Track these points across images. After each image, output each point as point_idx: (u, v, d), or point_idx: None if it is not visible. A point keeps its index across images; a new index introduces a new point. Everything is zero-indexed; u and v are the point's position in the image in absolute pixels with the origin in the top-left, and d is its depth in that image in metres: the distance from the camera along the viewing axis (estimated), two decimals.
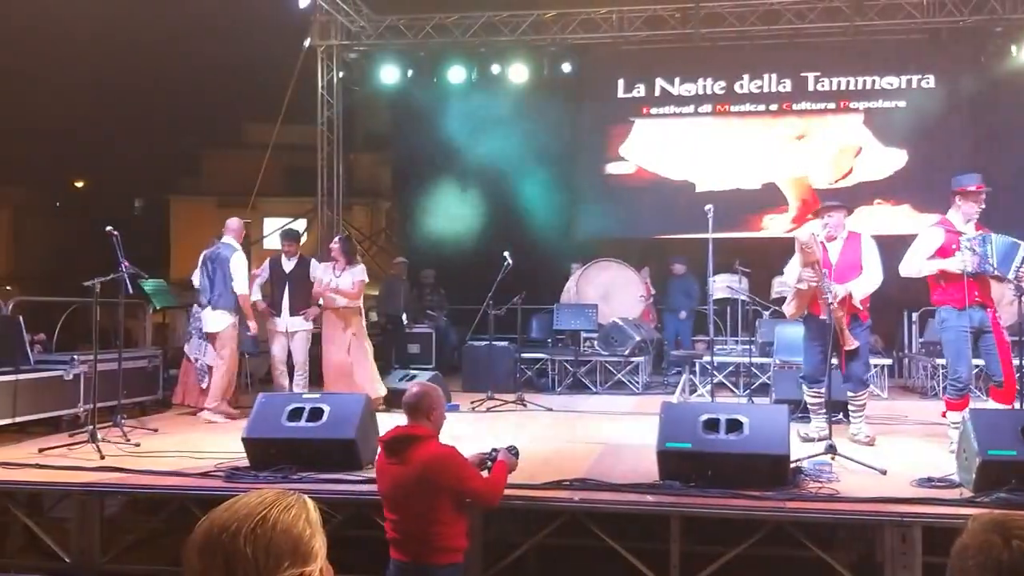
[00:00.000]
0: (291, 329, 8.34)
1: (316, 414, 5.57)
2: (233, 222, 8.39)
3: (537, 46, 12.87)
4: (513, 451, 4.35)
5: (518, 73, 12.82)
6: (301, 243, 9.04)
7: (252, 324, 8.16)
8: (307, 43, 12.96)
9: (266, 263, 8.67)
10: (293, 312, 8.33)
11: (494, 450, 4.31)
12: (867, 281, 6.54)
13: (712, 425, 5.15)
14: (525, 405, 8.77)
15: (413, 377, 8.70)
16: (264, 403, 5.84)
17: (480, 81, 13.01)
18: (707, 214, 7.10)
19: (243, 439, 5.61)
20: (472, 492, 3.94)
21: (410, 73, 13.31)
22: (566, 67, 12.75)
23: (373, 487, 5.17)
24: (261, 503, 1.48)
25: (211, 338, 8.13)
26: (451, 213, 13.31)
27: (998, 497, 4.69)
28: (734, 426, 5.09)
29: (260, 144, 14.48)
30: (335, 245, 8.59)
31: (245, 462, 5.58)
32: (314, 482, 5.17)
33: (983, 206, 6.39)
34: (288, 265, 8.45)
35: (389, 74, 13.31)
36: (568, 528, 4.87)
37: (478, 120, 12.88)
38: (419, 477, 3.79)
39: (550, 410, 8.64)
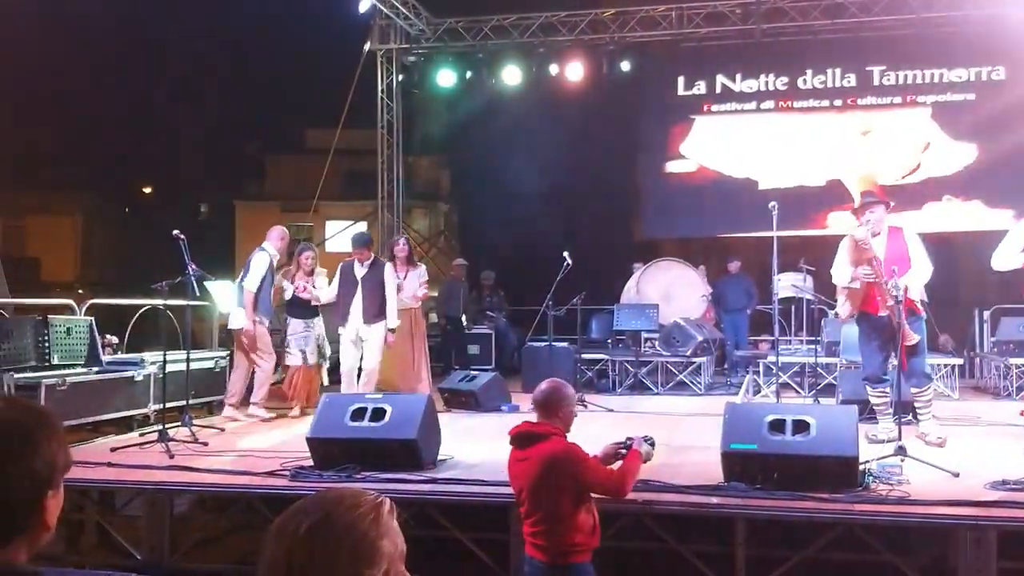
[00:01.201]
0: (364, 336, 8.09)
1: (379, 414, 5.61)
2: (273, 230, 8.61)
3: (596, 45, 12.82)
4: (649, 441, 4.31)
5: (577, 72, 12.78)
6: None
7: (248, 322, 8.08)
8: (367, 47, 13.10)
9: (338, 269, 8.39)
10: (368, 319, 8.05)
11: (629, 439, 4.26)
12: (919, 274, 6.41)
13: (778, 426, 5.05)
14: (586, 406, 8.71)
15: (473, 379, 8.73)
16: (328, 403, 5.91)
17: (539, 82, 13.00)
18: (771, 211, 6.98)
19: (308, 439, 5.68)
20: (595, 485, 3.89)
21: (469, 75, 13.36)
22: (625, 66, 12.66)
23: (435, 487, 5.22)
24: (332, 499, 1.49)
25: (235, 336, 8.28)
26: (510, 215, 13.32)
27: None
28: (801, 427, 4.99)
29: (321, 149, 14.71)
30: (401, 248, 8.85)
31: (310, 462, 5.64)
32: (376, 482, 5.20)
33: None
34: (360, 271, 8.15)
35: (447, 77, 13.38)
36: (631, 530, 4.83)
37: (537, 121, 12.89)
38: (542, 474, 3.78)
39: (611, 411, 8.59)
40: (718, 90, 12.86)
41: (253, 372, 8.30)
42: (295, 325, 8.42)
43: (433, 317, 12.66)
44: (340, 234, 15.88)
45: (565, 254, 9.07)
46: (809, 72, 12.54)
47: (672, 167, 13.08)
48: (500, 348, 12.06)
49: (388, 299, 8.10)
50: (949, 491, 4.89)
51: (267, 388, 8.35)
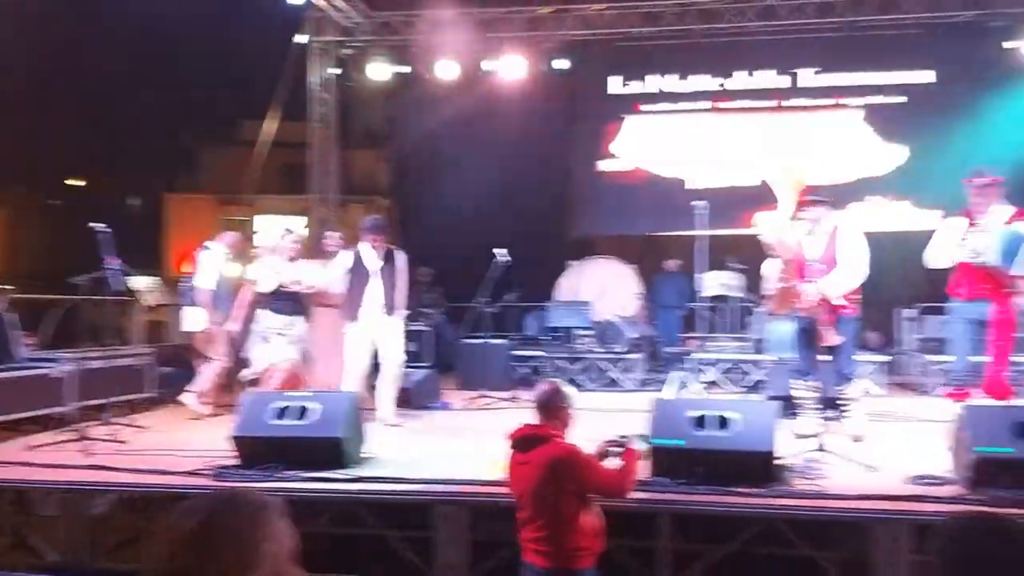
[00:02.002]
0: (383, 329, 7.44)
1: (304, 412, 5.53)
2: (225, 235, 8.51)
3: (532, 42, 12.81)
4: (646, 439, 4.30)
5: (513, 69, 12.76)
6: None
7: (208, 323, 7.96)
8: (303, 39, 12.92)
9: (347, 257, 7.64)
10: (390, 310, 7.42)
11: (622, 437, 4.19)
12: (842, 277, 6.46)
13: (702, 422, 5.11)
14: (518, 403, 8.74)
15: (406, 376, 8.65)
16: (252, 401, 5.81)
17: (476, 78, 12.95)
18: (696, 212, 7.05)
19: (232, 437, 5.58)
20: (597, 487, 3.83)
21: (405, 69, 13.26)
22: (561, 63, 12.69)
23: (360, 486, 5.16)
24: (216, 501, 1.44)
25: (193, 337, 8.12)
26: (447, 210, 13.24)
27: (992, 495, 4.65)
28: (724, 422, 5.06)
29: (257, 141, 14.44)
30: (331, 242, 8.61)
31: (234, 460, 5.54)
32: (300, 480, 5.13)
33: (982, 198, 6.36)
34: (375, 260, 7.48)
35: (383, 71, 13.26)
36: None
37: (474, 117, 12.83)
38: (544, 477, 3.71)
39: None
40: (651, 89, 12.98)
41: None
42: (274, 320, 7.67)
43: None
44: (272, 227, 15.61)
45: (499, 251, 9.05)
46: (742, 73, 12.72)
47: (606, 166, 13.16)
48: (438, 345, 12.00)
49: (401, 291, 7.55)
50: (867, 486, 4.99)
51: (211, 383, 8.17)
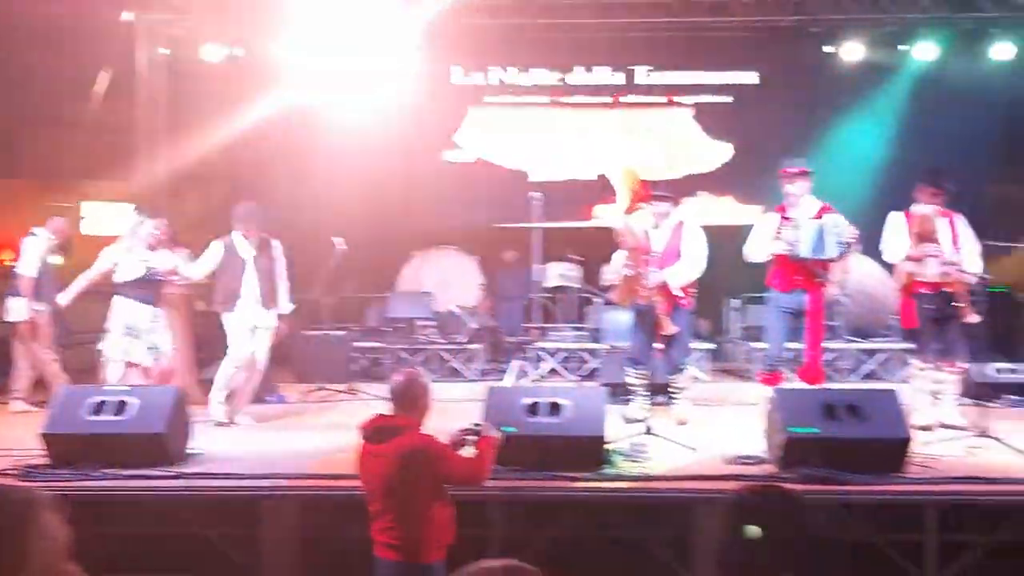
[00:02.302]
0: (260, 324, 7.09)
1: (122, 407, 5.27)
2: (51, 221, 8.09)
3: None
4: (500, 428, 4.25)
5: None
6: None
7: (26, 305, 7.57)
8: (130, 16, 12.25)
9: (219, 247, 7.20)
10: (266, 304, 7.07)
11: (476, 424, 4.13)
12: (683, 269, 6.77)
13: (534, 408, 5.20)
14: (356, 394, 8.66)
15: None
16: (66, 396, 5.49)
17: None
18: (533, 202, 7.15)
19: (42, 435, 5.25)
20: (455, 476, 3.79)
21: (240, 51, 12.79)
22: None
23: (183, 483, 4.97)
24: None
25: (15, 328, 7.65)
26: (285, 197, 12.89)
27: (801, 472, 4.93)
28: (554, 409, 5.16)
29: (83, 123, 13.62)
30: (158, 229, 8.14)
31: (44, 459, 5.22)
32: (119, 479, 4.89)
33: (799, 190, 6.72)
34: (248, 249, 7.13)
35: (217, 52, 12.74)
36: None
37: (316, 102, 12.50)
38: (399, 469, 3.62)
39: (385, 399, 8.52)
40: (492, 81, 13.07)
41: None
42: (140, 312, 7.09)
43: (201, 305, 12.05)
44: (100, 214, 14.78)
45: (337, 240, 8.90)
46: (579, 68, 13.00)
47: (449, 156, 13.17)
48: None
49: (281, 282, 7.24)
50: (690, 467, 5.21)
51: (31, 378, 7.76)
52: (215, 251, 7.18)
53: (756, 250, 6.77)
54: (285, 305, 7.29)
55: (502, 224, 12.47)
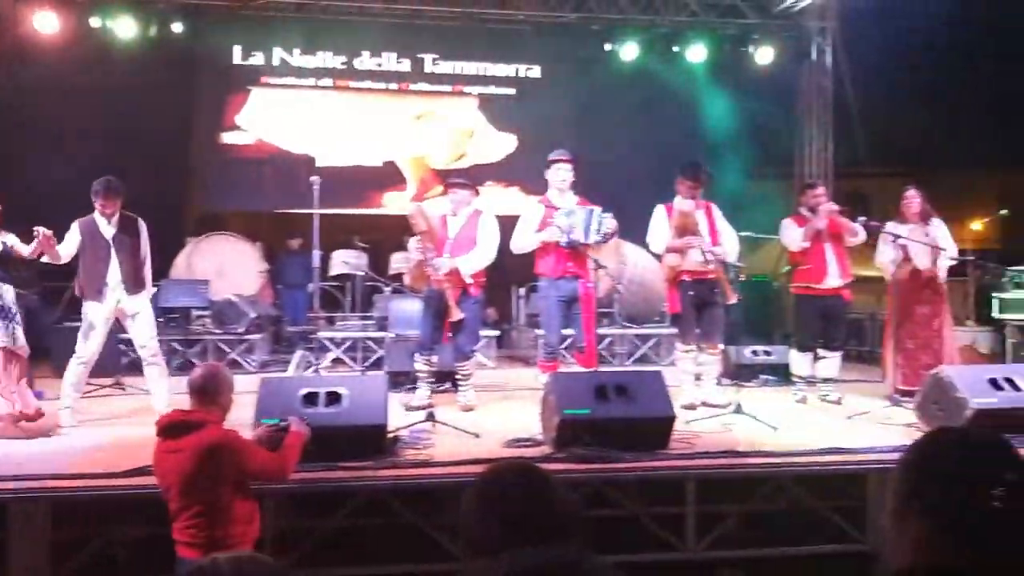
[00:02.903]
0: (129, 310, 6.66)
1: None
2: None
3: (145, 1, 11.86)
4: (306, 421, 4.17)
5: (125, 29, 11.72)
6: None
7: None
8: None
9: (74, 228, 6.67)
10: (131, 288, 6.61)
11: (283, 419, 4.07)
12: (476, 257, 6.85)
13: (312, 399, 5.08)
14: (124, 389, 8.16)
15: None
16: None
17: (82, 35, 11.69)
18: (313, 186, 7.01)
19: None
20: (257, 471, 3.71)
21: None
22: (177, 27, 11.87)
23: None
24: None
25: None
26: (47, 182, 11.90)
27: (573, 452, 5.11)
28: (333, 398, 5.07)
29: None
30: None
31: None
32: None
33: (570, 177, 6.95)
34: (108, 228, 6.64)
35: None
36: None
37: (82, 79, 11.60)
38: (198, 465, 3.46)
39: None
40: (275, 63, 12.67)
41: None
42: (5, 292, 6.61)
43: None
44: None
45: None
46: (366, 54, 12.85)
47: (229, 138, 12.65)
48: (32, 328, 10.75)
49: (147, 263, 6.80)
50: (470, 452, 5.26)
51: None
52: (72, 232, 6.65)
53: (524, 240, 6.91)
54: (149, 290, 6.93)
55: (287, 210, 12.13)
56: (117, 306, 6.63)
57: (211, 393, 3.73)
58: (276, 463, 3.83)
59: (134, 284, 6.65)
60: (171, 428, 3.64)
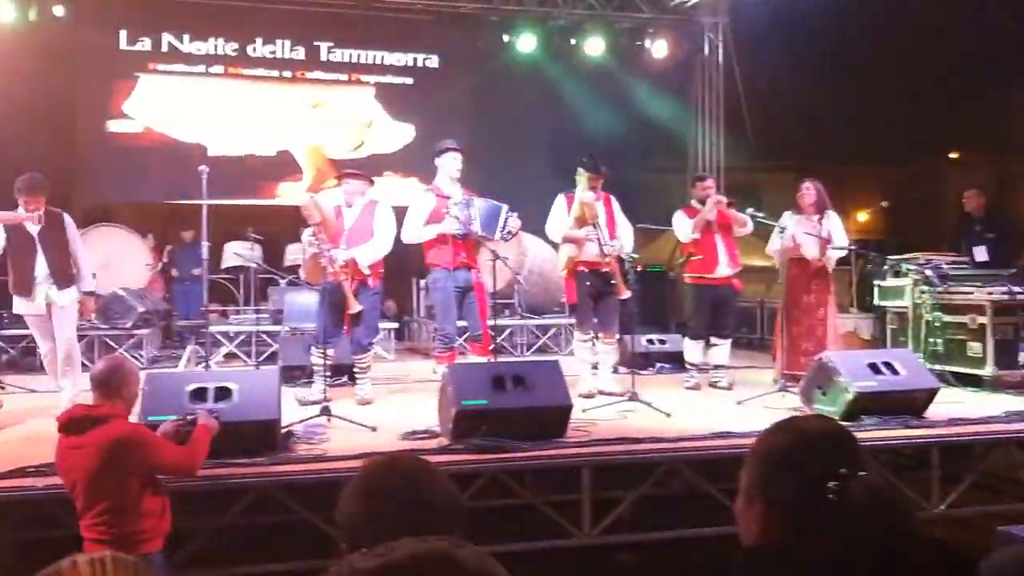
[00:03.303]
0: (59, 303, 6.55)
1: None
2: None
3: None
4: (215, 414, 4.12)
5: (3, 13, 11.14)
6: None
7: None
8: None
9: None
10: (59, 283, 6.53)
11: (190, 413, 4.01)
12: (372, 248, 6.75)
13: (200, 394, 4.94)
14: (4, 388, 7.79)
15: None
16: None
17: None
18: (202, 176, 6.81)
19: None
20: (166, 466, 3.67)
21: None
22: (58, 10, 11.37)
23: None
24: None
25: None
26: None
27: (470, 443, 5.10)
28: (223, 394, 4.94)
29: None
30: None
31: None
32: None
33: (461, 166, 6.94)
34: (33, 226, 6.52)
35: None
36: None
37: None
38: (102, 460, 3.37)
39: (33, 392, 7.76)
40: (164, 48, 12.25)
41: None
42: None
43: None
44: None
45: None
46: (259, 40, 12.54)
47: (116, 127, 12.18)
48: None
49: (81, 257, 6.76)
50: (365, 445, 5.19)
51: None
52: None
53: (418, 232, 6.86)
54: (88, 283, 6.88)
55: (178, 200, 11.76)
56: (47, 301, 6.61)
57: (115, 386, 3.65)
58: (185, 457, 3.80)
59: (63, 279, 6.64)
60: (74, 424, 3.56)
